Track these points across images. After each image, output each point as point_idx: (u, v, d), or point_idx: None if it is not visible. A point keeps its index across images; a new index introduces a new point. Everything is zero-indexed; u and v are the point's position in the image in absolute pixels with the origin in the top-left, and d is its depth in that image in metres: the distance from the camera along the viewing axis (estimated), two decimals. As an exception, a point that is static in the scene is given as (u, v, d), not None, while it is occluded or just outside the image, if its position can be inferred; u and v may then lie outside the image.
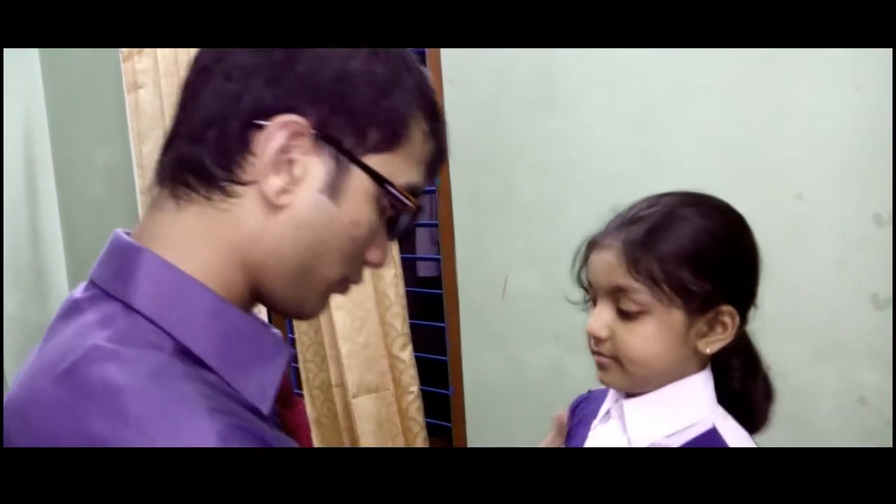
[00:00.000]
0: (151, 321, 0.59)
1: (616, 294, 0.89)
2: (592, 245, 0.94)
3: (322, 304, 0.69)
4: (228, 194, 0.62)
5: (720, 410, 0.92)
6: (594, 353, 0.93)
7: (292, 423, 0.71)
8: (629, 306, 0.88)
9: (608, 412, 0.98)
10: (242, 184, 0.61)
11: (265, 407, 0.63)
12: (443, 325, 2.16)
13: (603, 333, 0.90)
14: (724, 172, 1.54)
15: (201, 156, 0.61)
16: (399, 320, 2.13)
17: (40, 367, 0.57)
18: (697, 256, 0.87)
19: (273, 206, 0.61)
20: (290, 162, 0.61)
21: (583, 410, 1.07)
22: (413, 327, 2.18)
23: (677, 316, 0.87)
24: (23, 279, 3.00)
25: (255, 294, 0.66)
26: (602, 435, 0.97)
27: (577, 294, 0.99)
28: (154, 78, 2.49)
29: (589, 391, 1.11)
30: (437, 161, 0.70)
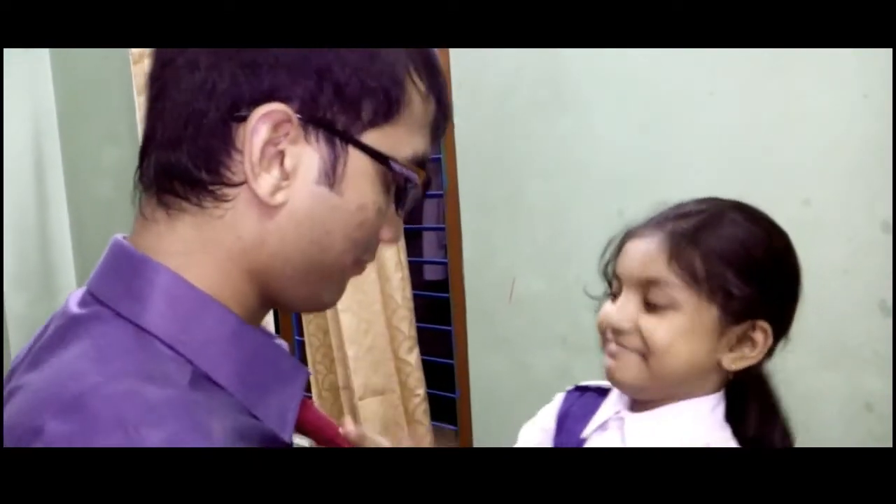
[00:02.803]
0: (169, 346, 0.54)
1: (647, 286, 0.84)
2: (630, 235, 0.89)
3: (339, 291, 0.64)
4: (220, 199, 0.56)
5: (726, 434, 0.86)
6: (607, 344, 0.88)
7: (311, 426, 0.69)
8: (659, 299, 0.83)
9: (604, 423, 0.93)
10: (233, 185, 0.55)
11: (286, 434, 0.59)
12: (449, 328, 2.16)
13: (625, 325, 0.85)
14: (732, 177, 1.54)
15: (183, 160, 0.55)
16: (406, 323, 2.14)
17: (40, 396, 0.50)
18: (744, 260, 0.83)
19: (269, 207, 0.56)
20: (280, 154, 0.55)
21: (573, 419, 1.00)
22: (420, 330, 2.18)
23: (710, 318, 0.83)
24: (31, 279, 3.01)
25: (267, 299, 0.61)
26: (598, 446, 0.93)
27: (594, 290, 0.94)
28: (164, 80, 2.50)
29: (579, 386, 1.05)
30: (441, 122, 0.63)
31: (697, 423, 0.86)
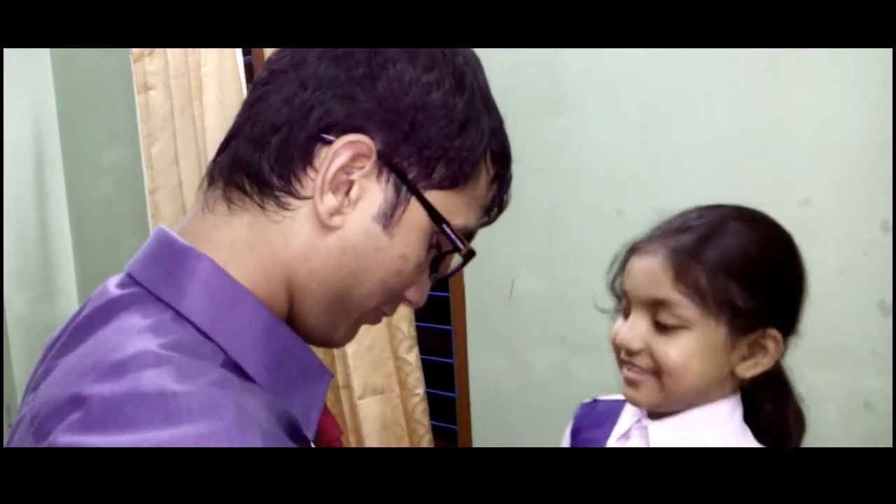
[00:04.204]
0: (204, 334, 0.56)
1: (655, 306, 0.85)
2: (634, 251, 0.90)
3: (352, 333, 0.67)
4: (283, 206, 0.59)
5: (747, 436, 0.88)
6: (623, 366, 0.89)
7: (319, 426, 0.69)
8: (669, 320, 0.84)
9: (626, 432, 0.94)
10: (298, 197, 0.59)
11: (310, 431, 0.61)
12: (449, 327, 2.16)
13: (636, 345, 0.86)
14: (730, 177, 1.54)
15: (261, 161, 0.59)
16: (405, 322, 2.14)
17: (78, 370, 0.52)
18: (748, 271, 0.84)
19: (323, 226, 0.59)
20: (349, 184, 0.59)
21: (592, 430, 1.01)
22: (419, 330, 2.18)
23: (720, 334, 0.84)
24: (31, 278, 3.01)
25: (290, 320, 0.63)
26: None
27: (594, 290, 0.95)
28: (164, 79, 2.50)
29: (595, 399, 1.07)
30: (494, 208, 0.69)
31: (719, 428, 0.87)
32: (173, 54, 2.45)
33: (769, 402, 0.90)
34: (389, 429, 2.19)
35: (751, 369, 0.86)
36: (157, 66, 2.52)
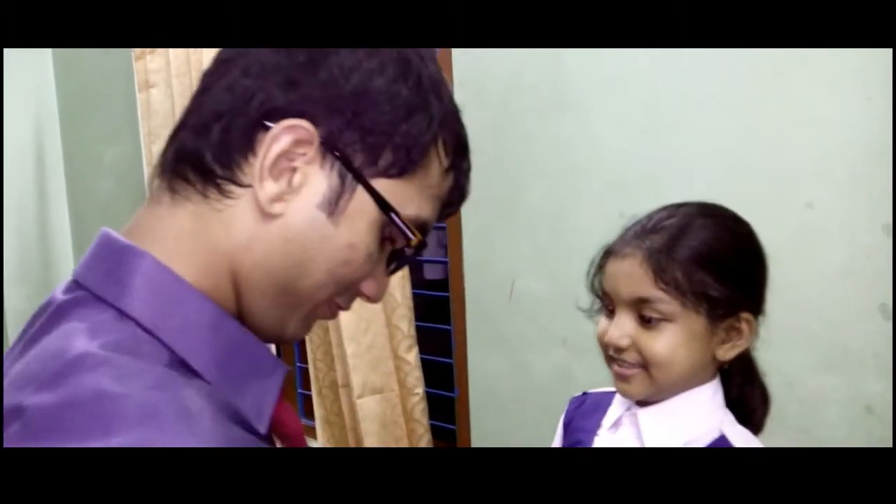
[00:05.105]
0: (147, 331, 0.54)
1: (638, 304, 0.91)
2: (610, 253, 0.95)
3: (306, 327, 0.65)
4: (225, 194, 0.58)
5: (729, 417, 0.94)
6: (613, 362, 0.95)
7: (275, 420, 0.68)
8: (652, 314, 0.90)
9: (617, 420, 0.99)
10: (240, 185, 0.58)
11: (262, 426, 0.59)
12: (449, 327, 2.16)
13: (624, 342, 0.92)
14: (734, 181, 1.54)
15: (203, 149, 0.58)
16: (405, 322, 2.14)
17: (22, 378, 0.51)
18: (718, 262, 0.90)
19: (265, 214, 0.57)
20: (292, 171, 0.58)
21: (582, 420, 1.07)
22: (419, 329, 2.18)
23: (700, 323, 0.90)
24: (31, 275, 3.02)
25: (239, 311, 0.61)
26: (613, 443, 0.98)
27: (587, 300, 1.00)
28: (166, 78, 2.50)
29: (585, 393, 1.12)
30: (453, 200, 0.67)
31: (705, 411, 0.94)
32: (175, 53, 2.44)
33: (736, 379, 0.98)
34: (388, 428, 2.19)
35: (729, 351, 0.93)
36: (158, 64, 2.52)
